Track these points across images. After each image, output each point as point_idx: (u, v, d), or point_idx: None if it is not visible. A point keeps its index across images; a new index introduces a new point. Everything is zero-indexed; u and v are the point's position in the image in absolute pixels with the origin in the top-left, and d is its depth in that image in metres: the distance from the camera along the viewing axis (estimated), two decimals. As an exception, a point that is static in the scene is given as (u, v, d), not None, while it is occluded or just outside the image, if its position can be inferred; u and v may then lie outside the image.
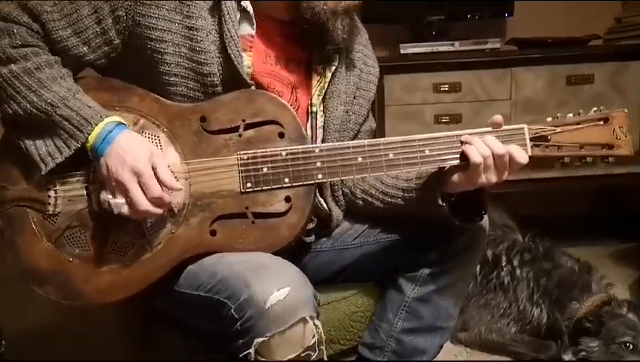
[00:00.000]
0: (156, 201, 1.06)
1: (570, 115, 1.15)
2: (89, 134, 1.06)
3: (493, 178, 1.10)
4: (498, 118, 1.13)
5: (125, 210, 1.06)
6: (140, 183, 1.05)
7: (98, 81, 1.18)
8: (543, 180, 2.54)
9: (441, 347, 1.34)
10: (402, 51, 2.53)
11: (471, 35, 2.62)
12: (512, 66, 2.50)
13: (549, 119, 1.15)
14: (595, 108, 1.15)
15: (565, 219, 2.82)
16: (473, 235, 1.26)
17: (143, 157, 1.05)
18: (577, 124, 1.13)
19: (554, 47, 2.54)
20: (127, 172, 1.05)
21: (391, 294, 1.31)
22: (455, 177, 1.12)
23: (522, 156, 1.10)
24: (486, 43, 2.55)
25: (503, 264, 1.98)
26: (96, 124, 1.06)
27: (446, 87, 2.50)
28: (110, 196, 1.06)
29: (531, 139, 1.13)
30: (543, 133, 1.13)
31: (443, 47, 2.54)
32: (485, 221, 1.26)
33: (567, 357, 1.84)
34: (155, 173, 1.06)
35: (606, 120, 1.14)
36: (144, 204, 1.05)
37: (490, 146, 1.09)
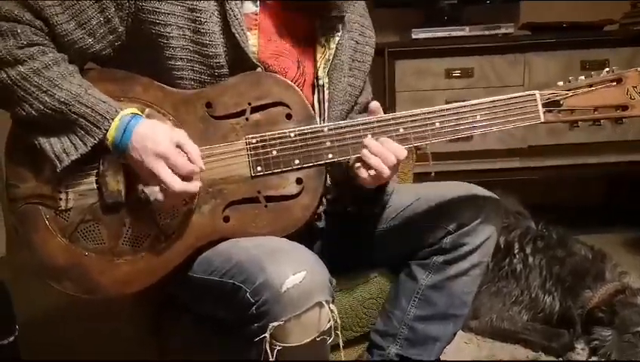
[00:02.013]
0: (190, 178, 1.06)
1: (582, 77, 1.13)
2: (107, 130, 1.05)
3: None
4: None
5: (161, 196, 1.06)
6: (168, 165, 1.04)
7: (100, 72, 1.16)
8: (556, 167, 2.53)
9: (455, 334, 1.34)
10: (414, 36, 2.51)
11: (483, 19, 2.59)
12: (526, 51, 2.48)
13: (561, 83, 1.13)
14: (608, 69, 1.13)
15: (579, 206, 2.81)
16: (488, 222, 1.25)
17: (164, 140, 1.05)
18: (590, 86, 1.12)
19: (568, 32, 2.52)
20: (153, 158, 1.04)
21: (404, 281, 1.31)
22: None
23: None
24: (499, 28, 2.52)
25: (516, 251, 1.96)
26: (112, 119, 1.05)
27: (458, 73, 2.48)
28: (144, 186, 1.06)
29: (544, 105, 1.11)
30: (556, 98, 1.12)
31: (455, 32, 2.51)
32: (500, 208, 1.25)
33: (579, 345, 1.83)
34: (182, 150, 1.06)
35: (619, 80, 1.12)
36: (178, 185, 1.05)
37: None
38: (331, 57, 1.24)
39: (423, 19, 2.68)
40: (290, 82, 1.14)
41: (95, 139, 1.06)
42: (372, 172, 1.11)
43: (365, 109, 1.37)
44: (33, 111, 1.05)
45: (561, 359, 1.80)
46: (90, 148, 1.06)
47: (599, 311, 1.78)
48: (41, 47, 1.07)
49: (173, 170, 1.04)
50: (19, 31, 1.05)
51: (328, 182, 1.28)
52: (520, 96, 1.11)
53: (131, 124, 1.06)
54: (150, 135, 1.05)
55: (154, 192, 1.05)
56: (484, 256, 1.28)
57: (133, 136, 1.05)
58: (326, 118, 1.25)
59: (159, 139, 1.05)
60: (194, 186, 1.07)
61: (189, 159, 1.06)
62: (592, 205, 2.88)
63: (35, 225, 1.11)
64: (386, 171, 1.11)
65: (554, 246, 1.96)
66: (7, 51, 1.04)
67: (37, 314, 2.01)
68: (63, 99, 1.05)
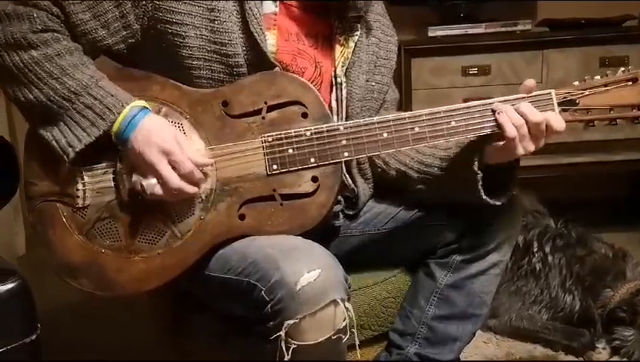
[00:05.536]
0: (188, 178, 1.06)
1: (598, 77, 1.12)
2: (112, 123, 1.06)
3: (530, 147, 1.08)
4: (530, 82, 1.10)
5: (158, 190, 1.06)
6: (170, 162, 1.05)
7: (117, 71, 1.17)
8: (574, 165, 2.49)
9: (474, 334, 1.33)
10: (430, 34, 2.50)
11: (500, 16, 2.57)
12: (544, 48, 2.45)
13: (577, 83, 1.12)
14: (623, 69, 1.12)
15: (598, 204, 2.77)
16: (507, 221, 1.23)
17: (169, 137, 1.06)
18: (605, 85, 1.11)
19: (587, 28, 2.48)
20: (156, 152, 1.05)
21: (423, 280, 1.30)
22: (491, 148, 1.11)
23: (559, 122, 1.07)
24: (516, 25, 2.50)
25: (535, 250, 1.94)
26: (118, 113, 1.06)
27: (475, 70, 2.46)
28: (141, 177, 1.06)
29: (559, 104, 1.10)
30: (571, 97, 1.10)
31: (472, 29, 2.50)
32: (519, 207, 1.24)
33: (600, 345, 1.80)
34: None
35: (634, 80, 1.11)
36: (176, 182, 1.05)
37: (525, 115, 1.06)
38: (349, 55, 1.24)
39: (439, 16, 2.67)
40: (306, 81, 1.14)
41: (100, 131, 1.06)
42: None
43: (394, 107, 1.37)
44: (42, 97, 1.06)
45: (581, 359, 1.78)
46: (94, 138, 1.07)
47: (620, 310, 1.76)
48: (55, 33, 1.08)
49: (173, 167, 1.05)
50: (35, 15, 1.07)
51: (348, 181, 1.28)
52: (536, 95, 1.10)
53: (138, 117, 1.06)
54: (155, 130, 1.06)
55: (151, 185, 1.05)
56: (504, 254, 1.27)
57: (137, 128, 1.06)
58: (344, 116, 1.24)
59: (164, 135, 1.06)
60: (191, 188, 1.07)
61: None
62: (611, 203, 2.84)
63: (53, 222, 1.12)
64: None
65: (573, 244, 1.93)
66: (21, 35, 1.06)
67: (55, 311, 2.04)
68: (72, 89, 1.06)
